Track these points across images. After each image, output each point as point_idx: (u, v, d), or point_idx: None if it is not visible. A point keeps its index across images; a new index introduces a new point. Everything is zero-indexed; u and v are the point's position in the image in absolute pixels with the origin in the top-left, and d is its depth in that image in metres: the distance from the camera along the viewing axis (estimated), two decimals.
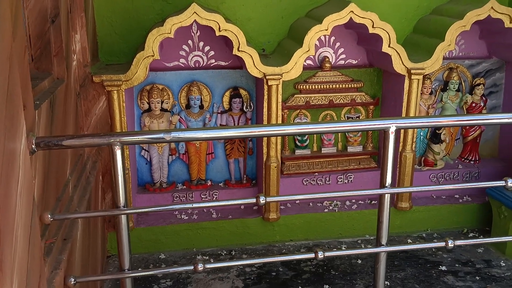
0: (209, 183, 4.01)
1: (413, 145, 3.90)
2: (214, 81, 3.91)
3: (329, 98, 4.04)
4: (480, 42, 4.25)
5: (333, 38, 4.04)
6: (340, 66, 4.13)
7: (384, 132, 2.28)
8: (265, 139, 3.64)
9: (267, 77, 3.49)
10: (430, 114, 4.17)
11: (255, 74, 3.51)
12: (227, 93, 3.94)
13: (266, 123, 3.61)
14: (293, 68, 3.54)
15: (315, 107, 4.05)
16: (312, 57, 4.06)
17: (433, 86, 4.23)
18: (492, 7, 3.60)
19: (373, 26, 3.54)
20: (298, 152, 4.14)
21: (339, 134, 4.23)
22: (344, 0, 3.65)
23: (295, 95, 4.01)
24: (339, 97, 4.06)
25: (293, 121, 4.10)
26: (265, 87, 3.54)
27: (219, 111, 3.96)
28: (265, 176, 3.73)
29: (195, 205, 2.14)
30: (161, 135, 2.02)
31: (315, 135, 4.18)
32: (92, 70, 3.39)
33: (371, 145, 4.25)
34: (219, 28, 3.37)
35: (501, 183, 2.22)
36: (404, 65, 3.67)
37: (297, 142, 4.14)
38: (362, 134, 4.25)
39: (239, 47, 3.42)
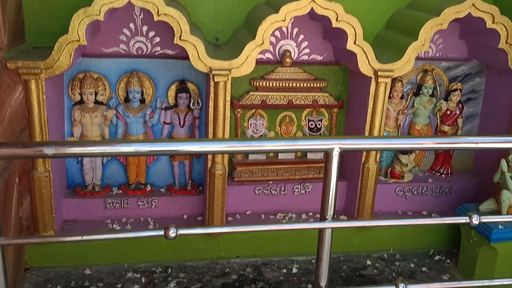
0: (149, 188, 3.55)
1: (378, 156, 3.49)
2: (158, 72, 3.44)
3: (288, 97, 3.59)
4: (460, 42, 3.84)
5: (296, 29, 3.59)
6: (303, 62, 3.68)
7: (326, 154, 1.85)
8: (217, 136, 3.18)
9: (213, 72, 3.03)
10: (399, 120, 3.75)
11: (199, 68, 3.04)
12: (173, 87, 3.47)
13: (211, 124, 3.16)
14: (244, 63, 3.08)
15: (272, 107, 3.60)
16: (272, 50, 3.61)
17: (405, 90, 3.81)
18: (473, 4, 3.18)
19: (337, 19, 3.10)
20: (252, 157, 3.70)
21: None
22: None
23: (251, 93, 3.56)
24: (300, 97, 3.61)
25: (248, 121, 3.65)
26: (211, 83, 3.08)
27: (163, 107, 3.49)
28: (209, 184, 3.28)
29: (84, 237, 1.68)
30: (41, 148, 1.55)
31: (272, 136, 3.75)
32: (9, 54, 2.89)
33: None
34: (158, 12, 2.89)
35: (463, 219, 1.80)
36: (370, 65, 3.24)
37: None
38: None
39: (181, 35, 2.94)
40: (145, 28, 3.38)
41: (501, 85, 3.72)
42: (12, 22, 2.99)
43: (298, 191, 3.70)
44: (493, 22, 3.25)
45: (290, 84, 3.57)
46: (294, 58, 3.66)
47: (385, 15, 3.71)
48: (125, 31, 3.37)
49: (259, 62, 3.55)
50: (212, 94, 3.10)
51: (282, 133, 3.73)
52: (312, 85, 3.61)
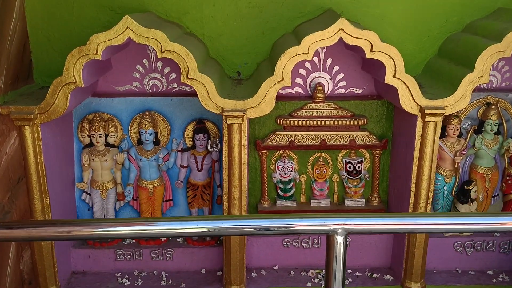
0: (163, 238, 3.21)
1: (428, 207, 2.91)
2: (174, 111, 3.11)
3: (320, 137, 3.13)
4: None
5: (329, 60, 3.13)
6: (338, 96, 3.20)
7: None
8: (232, 184, 2.78)
9: (225, 113, 2.65)
10: (457, 163, 3.15)
11: (210, 109, 2.67)
12: (190, 127, 3.13)
13: (226, 170, 2.77)
14: (262, 102, 2.67)
15: (301, 149, 3.15)
16: (302, 83, 3.17)
17: (464, 126, 3.21)
18: None
19: (371, 50, 2.60)
20: (280, 203, 3.26)
21: (335, 181, 3.30)
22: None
23: (277, 132, 3.13)
24: (335, 137, 3.13)
25: (275, 164, 3.22)
26: (224, 125, 2.70)
27: (180, 149, 3.15)
28: (225, 238, 2.88)
29: None
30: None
31: (303, 182, 3.29)
32: (6, 98, 2.68)
33: (377, 198, 3.29)
34: (161, 49, 2.56)
35: None
36: (415, 102, 2.70)
37: (279, 190, 3.26)
38: (366, 183, 3.29)
39: (188, 73, 2.59)
40: (159, 64, 3.07)
41: None
42: (14, 63, 2.79)
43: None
44: None
45: (323, 122, 3.10)
46: (329, 92, 3.19)
47: (438, 40, 3.15)
48: (139, 67, 3.08)
49: (286, 97, 3.15)
50: (226, 138, 2.71)
51: (315, 177, 3.26)
52: (349, 122, 3.11)
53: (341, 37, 2.57)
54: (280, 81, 2.63)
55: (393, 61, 2.62)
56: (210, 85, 2.61)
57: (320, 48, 3.09)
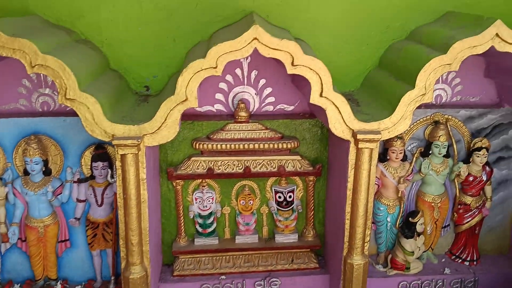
0: (58, 286, 2.68)
1: (366, 246, 2.48)
2: (68, 134, 2.58)
3: (244, 163, 2.66)
4: (487, 82, 2.80)
5: (255, 72, 2.67)
6: (266, 114, 2.75)
7: None
8: (128, 226, 2.28)
9: (114, 142, 2.14)
10: (401, 191, 2.74)
11: (97, 136, 2.16)
12: (88, 153, 2.61)
13: (121, 210, 2.27)
14: (163, 128, 2.18)
15: (222, 177, 2.68)
16: (223, 99, 2.70)
17: (409, 148, 2.80)
18: (497, 35, 2.16)
19: (292, 64, 2.15)
20: (200, 241, 2.78)
21: (264, 213, 2.84)
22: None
23: (193, 158, 2.65)
24: (261, 163, 2.67)
25: (192, 195, 2.74)
26: (117, 156, 2.19)
27: (76, 179, 2.63)
28: None
29: None
30: None
31: (226, 214, 2.82)
32: None
33: (312, 232, 2.85)
34: (31, 63, 2.04)
35: None
36: (346, 125, 2.27)
37: (197, 226, 2.78)
38: (299, 215, 2.85)
39: (66, 92, 2.08)
40: (49, 77, 2.55)
41: None
42: None
43: None
44: None
45: (247, 146, 2.64)
46: (255, 110, 2.74)
47: (379, 49, 2.73)
48: (25, 81, 2.56)
49: (204, 116, 2.68)
50: (119, 171, 2.21)
51: (241, 209, 2.79)
52: (277, 145, 2.66)
53: (256, 48, 2.11)
54: (183, 101, 2.15)
55: (319, 77, 2.18)
56: (95, 107, 2.10)
57: (243, 58, 2.63)
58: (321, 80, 2.18)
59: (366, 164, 2.31)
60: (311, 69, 2.16)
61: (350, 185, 2.37)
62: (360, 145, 2.27)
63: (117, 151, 2.17)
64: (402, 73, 2.39)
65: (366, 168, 2.31)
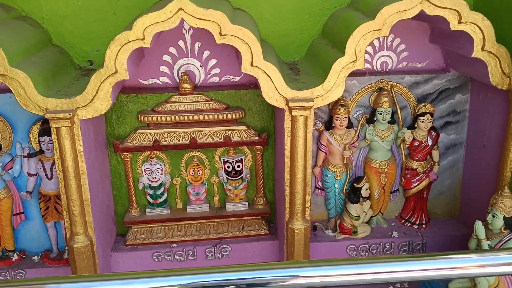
0: (15, 257, 2.77)
1: (307, 211, 2.54)
2: (15, 110, 2.61)
3: (190, 134, 2.70)
4: (432, 47, 2.80)
5: (198, 44, 2.69)
6: (213, 86, 2.78)
7: None
8: (69, 198, 2.34)
9: (48, 116, 2.19)
10: (346, 158, 2.78)
11: (31, 110, 2.21)
12: (35, 128, 2.66)
13: (61, 182, 2.33)
14: (95, 100, 2.22)
15: (168, 149, 2.72)
16: (168, 72, 2.73)
17: (355, 115, 2.83)
18: None
19: (221, 34, 2.17)
20: (151, 211, 2.85)
21: (215, 183, 2.90)
22: None
23: (139, 131, 2.69)
24: (207, 134, 2.71)
25: (142, 167, 2.80)
26: (52, 129, 2.24)
27: (25, 154, 2.69)
28: (71, 260, 2.46)
29: None
30: None
31: (177, 185, 2.88)
32: None
33: (262, 200, 2.91)
34: None
35: None
36: (279, 93, 2.29)
37: (148, 197, 2.84)
38: (250, 184, 2.90)
39: None
40: None
41: (488, 105, 2.67)
42: None
43: (212, 255, 2.81)
44: (459, 22, 2.22)
45: (192, 117, 2.68)
46: (201, 82, 2.77)
47: (321, 17, 2.74)
48: None
49: (149, 89, 2.71)
50: (55, 144, 2.26)
51: (190, 180, 2.84)
52: (223, 116, 2.70)
53: (182, 18, 2.13)
54: (113, 73, 2.18)
55: (248, 46, 2.19)
56: (27, 82, 2.14)
57: (186, 29, 2.65)
58: (250, 49, 2.20)
59: (301, 132, 2.34)
60: (239, 39, 2.18)
61: (287, 152, 2.41)
62: (294, 112, 2.30)
63: (51, 124, 2.22)
64: (337, 40, 2.40)
65: (301, 136, 2.35)
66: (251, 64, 2.23)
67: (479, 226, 2.23)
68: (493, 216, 2.20)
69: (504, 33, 2.46)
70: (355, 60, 2.26)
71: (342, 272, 1.14)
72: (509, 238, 2.17)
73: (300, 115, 2.31)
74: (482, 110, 2.73)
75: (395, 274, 1.16)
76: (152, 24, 2.12)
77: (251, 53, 2.21)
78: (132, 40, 2.13)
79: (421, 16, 2.27)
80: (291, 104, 2.27)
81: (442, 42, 2.69)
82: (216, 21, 2.14)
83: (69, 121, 2.20)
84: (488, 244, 2.22)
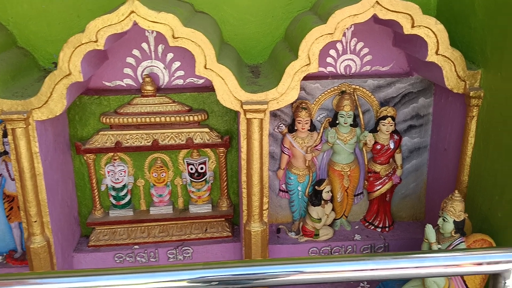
0: None
1: (264, 214, 2.55)
2: None
3: (152, 136, 2.72)
4: (396, 51, 2.82)
5: (161, 46, 2.71)
6: (177, 88, 2.80)
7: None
8: (26, 198, 2.36)
9: (3, 117, 2.21)
10: (308, 161, 2.79)
11: None
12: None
13: (18, 183, 2.35)
14: (50, 102, 2.24)
15: (130, 150, 2.74)
16: (131, 73, 2.75)
17: (319, 118, 2.84)
18: (377, 2, 2.18)
19: (173, 36, 2.19)
20: (114, 213, 2.86)
21: (178, 185, 2.91)
22: None
23: (101, 132, 2.71)
24: (169, 136, 2.73)
25: (105, 168, 2.81)
26: (8, 131, 2.26)
27: None
28: (29, 261, 2.48)
29: None
30: None
31: (141, 187, 2.89)
32: None
33: (226, 202, 2.92)
34: None
35: None
36: (234, 96, 2.31)
37: (111, 198, 2.86)
38: (214, 186, 2.92)
39: None
40: None
41: (448, 108, 2.68)
42: None
43: (174, 257, 2.83)
44: (412, 26, 2.24)
45: (154, 119, 2.69)
46: (165, 84, 2.79)
47: (284, 21, 2.76)
48: None
49: (112, 91, 2.73)
50: (12, 145, 2.28)
51: (154, 181, 2.86)
52: (185, 118, 2.72)
53: (135, 21, 2.15)
54: (67, 75, 2.20)
55: (202, 49, 2.21)
56: None
57: (149, 32, 2.67)
58: (204, 52, 2.22)
59: (256, 134, 2.36)
60: (192, 41, 2.20)
61: (243, 155, 2.43)
62: (248, 115, 2.32)
63: (5, 126, 2.24)
64: (293, 44, 2.42)
65: (256, 138, 2.37)
66: (205, 67, 2.25)
67: (429, 230, 2.24)
68: (444, 220, 2.21)
69: (462, 37, 2.48)
70: (309, 64, 2.27)
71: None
72: (459, 242, 2.18)
73: (255, 118, 2.33)
74: (444, 114, 2.74)
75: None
76: (104, 26, 2.14)
77: (205, 55, 2.23)
78: (85, 43, 2.16)
79: (380, 20, 2.30)
80: (245, 107, 2.29)
81: (403, 46, 2.71)
82: (169, 24, 2.16)
83: (23, 122, 2.22)
84: (439, 248, 2.23)
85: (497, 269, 1.03)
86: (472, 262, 1.05)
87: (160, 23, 2.16)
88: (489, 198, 2.29)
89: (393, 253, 1.12)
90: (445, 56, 2.30)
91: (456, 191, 2.22)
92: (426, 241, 2.28)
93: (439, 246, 2.23)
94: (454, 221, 2.19)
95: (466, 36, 2.43)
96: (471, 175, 2.44)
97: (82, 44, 2.15)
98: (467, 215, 2.22)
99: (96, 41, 2.16)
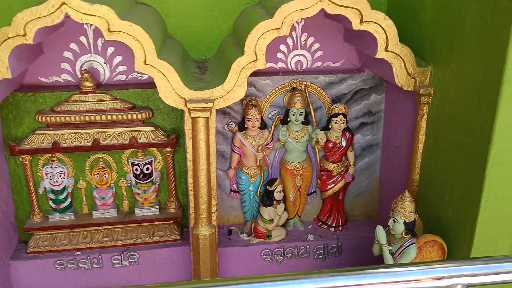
0: None
1: (213, 216, 2.44)
2: None
3: (93, 136, 2.56)
4: (347, 47, 2.75)
5: (101, 39, 2.55)
6: (120, 84, 2.64)
7: None
8: None
9: None
10: (259, 160, 2.70)
11: None
12: None
13: None
14: None
15: (68, 151, 2.57)
16: (69, 68, 2.58)
17: (270, 115, 2.75)
18: None
19: (109, 30, 2.04)
20: (54, 217, 2.69)
21: (123, 187, 2.76)
22: None
23: (37, 132, 2.53)
24: (111, 135, 2.57)
25: (43, 170, 2.63)
26: None
27: None
28: None
29: None
30: None
31: (82, 189, 2.73)
32: None
33: (174, 204, 2.79)
34: None
35: None
36: (177, 94, 2.19)
37: (51, 202, 2.69)
38: (160, 187, 2.79)
39: None
40: None
41: (399, 105, 2.64)
42: None
43: (119, 263, 2.69)
44: (361, 22, 2.16)
45: (94, 117, 2.53)
46: (106, 79, 2.63)
47: (232, 14, 2.65)
48: None
49: (49, 88, 2.55)
50: None
51: (96, 183, 2.70)
52: (128, 116, 2.56)
53: (67, 14, 1.99)
54: None
55: (141, 44, 2.07)
56: None
57: (88, 24, 2.50)
58: (143, 46, 2.08)
59: (202, 134, 2.24)
60: (130, 35, 2.05)
61: (189, 155, 2.31)
62: (193, 114, 2.20)
63: None
64: (240, 39, 2.31)
65: (202, 138, 2.25)
66: (145, 63, 2.11)
67: (379, 231, 2.18)
68: (394, 221, 2.16)
69: (412, 33, 2.43)
70: (256, 60, 2.17)
71: None
72: (409, 243, 2.14)
73: (200, 117, 2.21)
74: (395, 111, 2.70)
75: None
76: (33, 19, 1.97)
77: (144, 50, 2.09)
78: (12, 37, 1.98)
79: (330, 15, 2.21)
80: (189, 105, 2.17)
81: (353, 41, 2.64)
82: (103, 17, 2.01)
83: None
84: (390, 250, 2.18)
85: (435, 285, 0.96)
86: (413, 278, 0.97)
87: (94, 15, 2.00)
88: (440, 197, 2.26)
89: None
90: (395, 53, 2.24)
91: (406, 191, 2.17)
92: (377, 242, 2.23)
93: (390, 247, 2.18)
94: (405, 222, 2.14)
95: (416, 31, 2.38)
96: (422, 173, 2.40)
97: (9, 38, 1.98)
98: (417, 215, 2.17)
99: (24, 35, 1.98)
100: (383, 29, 2.18)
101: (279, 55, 2.70)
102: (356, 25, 2.16)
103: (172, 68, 2.13)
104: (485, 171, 1.92)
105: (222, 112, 2.67)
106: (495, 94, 1.82)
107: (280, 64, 2.72)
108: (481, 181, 1.95)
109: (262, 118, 2.67)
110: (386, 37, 2.20)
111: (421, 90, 2.26)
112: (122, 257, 2.68)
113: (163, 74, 2.14)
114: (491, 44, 1.83)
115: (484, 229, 2.02)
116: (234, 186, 2.82)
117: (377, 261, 2.32)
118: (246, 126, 2.65)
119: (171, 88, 2.17)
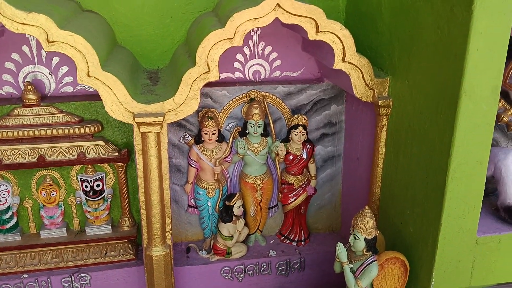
0: None
1: (168, 236, 2.32)
2: None
3: (38, 152, 2.40)
4: (305, 56, 2.67)
5: (42, 52, 2.40)
6: (66, 96, 2.49)
7: None
8: None
9: None
10: (217, 174, 2.58)
11: None
12: None
13: None
14: None
15: (12, 168, 2.41)
16: (12, 80, 2.41)
17: (228, 127, 2.64)
18: (278, 5, 1.99)
19: (48, 40, 1.90)
20: (0, 238, 2.52)
21: (73, 205, 2.61)
22: None
23: None
24: (58, 150, 2.42)
25: None
26: None
27: None
28: None
29: None
30: None
31: (29, 207, 2.56)
32: None
33: (128, 221, 2.65)
34: None
35: None
36: (125, 107, 2.06)
37: None
38: (112, 205, 2.64)
39: None
40: None
41: (360, 116, 2.57)
42: None
43: (69, 285, 2.53)
44: (317, 32, 2.08)
45: (39, 132, 2.37)
46: (51, 91, 2.48)
47: (185, 22, 2.53)
48: None
49: None
50: None
51: (43, 202, 2.54)
52: (75, 130, 2.41)
53: (1, 24, 1.84)
54: None
55: (83, 55, 1.94)
56: None
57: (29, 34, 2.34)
58: (85, 58, 1.94)
59: (153, 150, 2.12)
60: (71, 46, 1.91)
61: (140, 172, 2.18)
62: (142, 129, 2.07)
63: None
64: (192, 49, 2.20)
65: (153, 154, 2.12)
66: (88, 75, 1.97)
67: (340, 249, 2.10)
68: (355, 237, 2.07)
69: (370, 43, 2.37)
70: (208, 71, 2.06)
71: None
72: (370, 261, 2.05)
73: (150, 132, 2.08)
74: (355, 122, 2.63)
75: None
76: None
77: (87, 62, 1.95)
78: None
79: (286, 24, 2.12)
80: (137, 120, 2.04)
81: (311, 51, 2.56)
82: (41, 26, 1.86)
83: None
84: (351, 268, 2.10)
85: None
86: None
87: (31, 25, 1.86)
88: (401, 212, 2.19)
89: None
90: (352, 64, 2.16)
91: (367, 207, 2.09)
92: (338, 260, 2.14)
93: (351, 265, 2.10)
94: (365, 239, 2.06)
95: (374, 41, 2.31)
96: (383, 187, 2.34)
97: None
98: (378, 231, 2.10)
99: None
100: (340, 39, 2.10)
101: (236, 64, 2.60)
102: (312, 35, 2.08)
103: (118, 80, 2.00)
104: (445, 186, 1.86)
105: (177, 124, 2.55)
106: (453, 107, 1.76)
107: (238, 74, 2.62)
108: (442, 196, 1.89)
109: (219, 130, 2.56)
110: (343, 47, 2.12)
111: (380, 101, 2.19)
112: (73, 279, 2.52)
113: (108, 86, 2.00)
114: (449, 55, 1.77)
115: (445, 245, 1.96)
116: (192, 201, 2.70)
117: (340, 277, 2.23)
118: (202, 139, 2.54)
119: (118, 102, 2.04)
